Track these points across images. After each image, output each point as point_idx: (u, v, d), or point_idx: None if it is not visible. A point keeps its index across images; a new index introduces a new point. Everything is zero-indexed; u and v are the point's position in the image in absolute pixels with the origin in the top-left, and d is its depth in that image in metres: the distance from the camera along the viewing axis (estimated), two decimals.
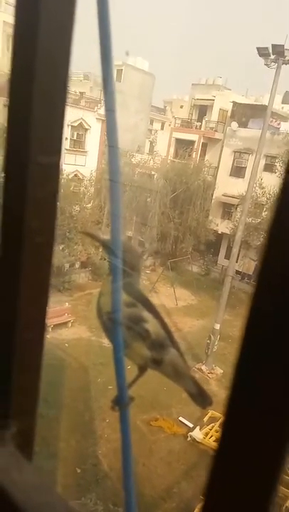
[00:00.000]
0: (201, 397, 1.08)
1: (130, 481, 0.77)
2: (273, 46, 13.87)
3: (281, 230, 0.26)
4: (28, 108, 0.37)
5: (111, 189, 0.78)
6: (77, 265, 18.65)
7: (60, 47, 0.39)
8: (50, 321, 13.87)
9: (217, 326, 13.74)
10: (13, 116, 0.39)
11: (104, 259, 19.41)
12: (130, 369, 0.98)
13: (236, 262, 15.58)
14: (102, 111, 21.77)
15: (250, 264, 21.45)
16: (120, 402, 0.82)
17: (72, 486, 8.31)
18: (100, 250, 19.40)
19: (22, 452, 0.46)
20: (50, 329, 13.86)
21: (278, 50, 13.85)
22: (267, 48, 14.10)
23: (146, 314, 0.94)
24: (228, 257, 19.24)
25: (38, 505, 0.39)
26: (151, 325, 0.94)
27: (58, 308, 14.87)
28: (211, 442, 9.76)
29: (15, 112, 0.39)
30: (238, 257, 15.96)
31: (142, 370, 1.01)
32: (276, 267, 0.27)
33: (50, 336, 13.61)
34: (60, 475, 8.42)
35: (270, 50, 14.03)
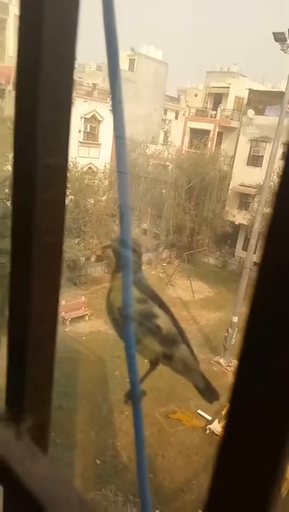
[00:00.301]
0: (208, 392, 1.10)
1: (144, 473, 0.79)
2: None
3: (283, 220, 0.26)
4: (35, 110, 0.38)
5: (119, 180, 0.78)
6: (92, 259, 18.80)
7: (66, 48, 0.39)
8: (68, 314, 14.05)
9: (235, 319, 13.66)
10: (20, 118, 0.40)
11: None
12: (143, 364, 0.99)
13: (254, 253, 15.39)
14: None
15: None
16: (133, 396, 0.84)
17: (92, 477, 8.48)
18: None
19: (37, 444, 0.48)
20: (68, 323, 14.06)
21: None
22: (283, 32, 13.77)
23: (157, 310, 0.95)
24: (245, 248, 19.03)
25: (53, 496, 0.40)
26: (163, 321, 0.96)
27: (75, 301, 15.05)
28: None
29: (21, 114, 0.39)
30: (255, 248, 15.74)
31: (154, 364, 1.03)
32: (277, 258, 0.27)
33: (67, 329, 13.81)
34: (80, 466, 8.60)
35: (287, 35, 13.70)
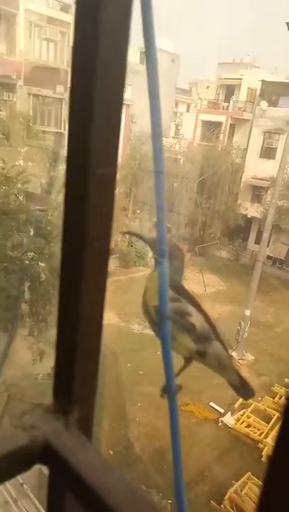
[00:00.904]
0: (243, 389, 1.13)
1: (179, 466, 0.82)
2: None
3: None
4: (88, 123, 0.40)
5: (156, 180, 0.79)
6: None
7: (118, 60, 0.41)
8: None
9: (248, 312, 13.62)
10: (74, 131, 0.42)
11: (132, 246, 19.55)
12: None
13: (267, 246, 15.28)
14: (126, 95, 21.57)
15: (281, 248, 20.97)
16: (169, 391, 0.87)
17: None
18: (127, 237, 19.53)
19: (83, 435, 0.51)
20: None
21: None
22: None
23: (190, 308, 0.98)
24: (258, 241, 18.88)
25: (104, 483, 0.43)
26: (196, 319, 0.98)
27: None
28: (243, 428, 9.81)
29: (75, 126, 0.42)
30: (268, 241, 15.63)
31: (188, 361, 1.06)
32: None
33: None
34: None
35: None
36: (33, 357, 9.46)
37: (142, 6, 0.66)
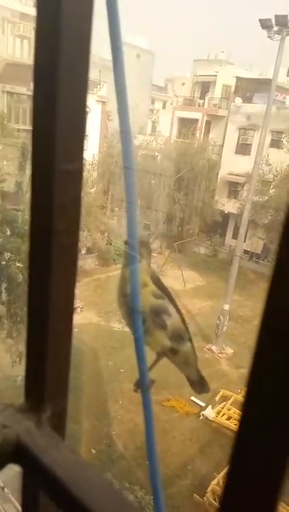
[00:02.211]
0: (200, 385, 1.21)
1: (154, 459, 0.83)
2: (276, 17, 13.45)
3: None
4: (52, 118, 0.40)
5: (125, 176, 0.79)
6: (83, 251, 18.76)
7: (81, 53, 0.41)
8: None
9: (226, 307, 13.83)
10: (38, 126, 0.42)
11: (111, 244, 19.48)
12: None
13: (244, 241, 15.53)
14: (101, 92, 21.38)
15: (258, 243, 21.36)
16: (142, 385, 0.87)
17: None
18: (106, 235, 19.44)
19: (56, 433, 0.51)
20: None
21: (282, 21, 13.43)
22: (270, 19, 13.67)
23: (171, 309, 1.01)
24: (235, 236, 19.16)
25: (79, 479, 0.43)
26: (175, 319, 1.01)
27: None
28: (224, 420, 9.97)
29: (39, 122, 0.41)
30: (245, 236, 15.89)
31: (160, 356, 1.08)
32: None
33: None
34: None
35: (273, 22, 13.61)
36: (12, 359, 9.31)
37: (108, 3, 0.66)
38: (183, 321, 1.09)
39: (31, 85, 0.41)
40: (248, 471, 0.35)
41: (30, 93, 0.41)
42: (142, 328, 0.82)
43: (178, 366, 1.16)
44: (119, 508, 0.42)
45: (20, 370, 9.29)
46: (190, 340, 1.12)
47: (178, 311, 1.07)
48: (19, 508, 5.41)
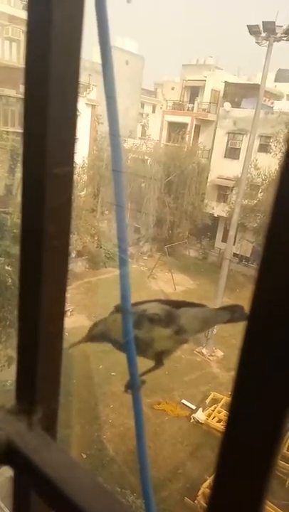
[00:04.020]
0: (239, 314, 1.03)
1: (145, 460, 0.83)
2: (264, 23, 13.65)
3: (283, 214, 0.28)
4: (43, 122, 0.41)
5: (114, 179, 0.79)
6: (73, 254, 18.68)
7: (72, 60, 0.42)
8: None
9: None
10: (29, 131, 0.42)
11: (101, 247, 19.44)
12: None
13: (233, 244, 15.65)
14: (91, 96, 21.39)
15: (247, 246, 21.54)
16: (132, 386, 0.87)
17: None
18: (96, 239, 19.38)
19: (48, 434, 0.51)
20: None
21: (269, 27, 13.63)
22: (257, 25, 13.87)
23: (143, 307, 0.97)
24: (225, 240, 19.30)
25: (68, 479, 0.44)
26: (153, 307, 0.98)
27: None
28: (214, 423, 9.99)
29: (30, 127, 0.42)
30: (235, 239, 16.00)
31: (173, 349, 1.03)
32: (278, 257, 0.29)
33: None
34: None
35: (261, 28, 13.80)
36: (1, 363, 9.20)
37: (96, 7, 0.66)
38: (163, 301, 1.03)
39: (21, 88, 0.42)
40: (235, 472, 0.36)
41: (20, 96, 0.42)
42: (131, 328, 0.83)
43: (204, 330, 1.07)
44: (110, 506, 0.43)
45: (9, 375, 9.19)
46: (183, 305, 1.04)
47: (152, 300, 1.03)
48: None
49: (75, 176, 19.97)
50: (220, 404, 10.55)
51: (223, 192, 23.67)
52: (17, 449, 0.47)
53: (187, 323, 1.00)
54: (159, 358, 1.02)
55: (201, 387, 11.61)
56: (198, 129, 25.87)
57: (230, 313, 1.04)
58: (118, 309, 0.88)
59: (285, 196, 0.28)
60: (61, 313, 0.50)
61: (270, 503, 7.38)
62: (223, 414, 10.12)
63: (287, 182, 0.28)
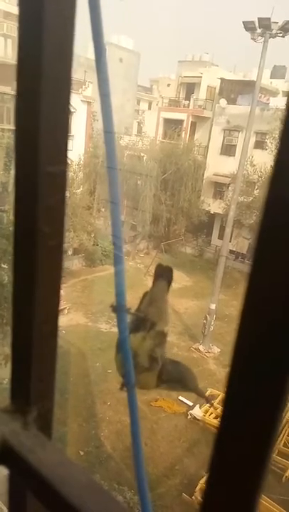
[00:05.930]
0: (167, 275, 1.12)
1: (140, 457, 0.83)
2: (259, 20, 13.63)
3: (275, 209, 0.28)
4: (35, 119, 0.40)
5: (109, 176, 0.79)
6: (69, 252, 18.64)
7: (64, 56, 0.42)
8: None
9: (213, 306, 13.93)
10: (21, 129, 0.42)
11: (97, 245, 19.40)
12: None
13: (230, 241, 15.67)
14: (87, 92, 21.28)
15: (243, 243, 21.58)
16: (127, 384, 0.88)
17: None
18: (92, 236, 19.34)
19: (43, 433, 0.51)
20: None
21: (265, 23, 13.61)
22: (253, 21, 13.84)
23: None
24: (221, 237, 19.33)
25: (66, 479, 0.44)
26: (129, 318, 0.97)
27: None
28: (211, 419, 10.04)
29: (22, 125, 0.42)
30: (231, 236, 16.02)
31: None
32: (271, 250, 0.29)
33: None
34: None
35: (257, 24, 13.78)
36: None
37: (90, 4, 0.66)
38: (137, 309, 1.04)
39: (15, 85, 0.41)
40: (229, 467, 0.36)
41: (15, 92, 0.41)
42: (126, 325, 0.83)
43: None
44: (106, 506, 0.43)
45: (5, 373, 9.17)
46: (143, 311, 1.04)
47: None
48: (5, 510, 5.35)
49: (71, 174, 19.98)
50: (216, 400, 10.59)
51: (219, 189, 23.69)
52: (12, 448, 0.47)
53: (147, 313, 1.02)
54: (154, 360, 1.02)
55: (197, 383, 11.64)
56: (194, 126, 25.84)
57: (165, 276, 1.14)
58: (114, 309, 0.87)
59: (277, 193, 0.28)
60: (55, 313, 0.50)
61: (266, 498, 7.43)
62: (220, 410, 10.15)
63: (279, 179, 0.28)
